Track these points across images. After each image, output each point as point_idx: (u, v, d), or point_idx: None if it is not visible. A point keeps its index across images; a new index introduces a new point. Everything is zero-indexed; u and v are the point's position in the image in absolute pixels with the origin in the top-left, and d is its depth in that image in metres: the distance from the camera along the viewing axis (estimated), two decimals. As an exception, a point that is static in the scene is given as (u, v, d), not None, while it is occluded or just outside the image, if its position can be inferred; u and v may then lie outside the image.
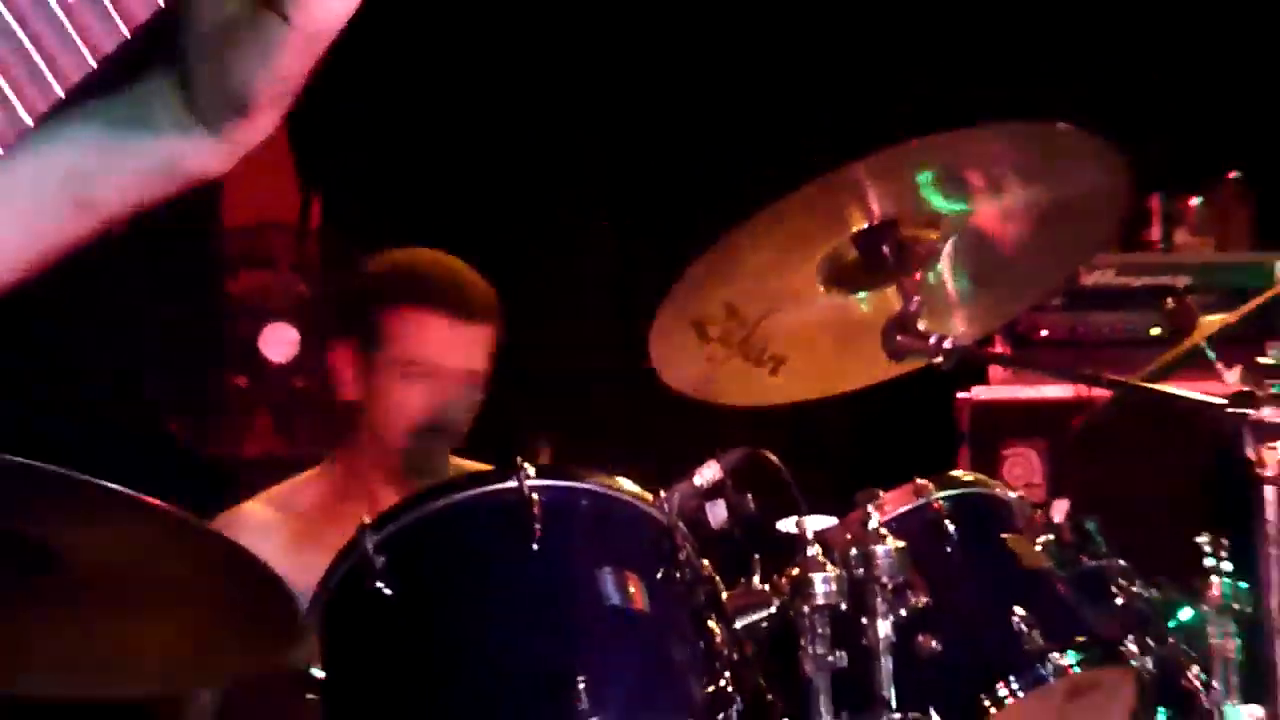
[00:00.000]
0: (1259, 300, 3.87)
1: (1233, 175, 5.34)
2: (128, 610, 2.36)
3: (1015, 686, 2.81)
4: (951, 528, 2.94)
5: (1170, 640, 3.08)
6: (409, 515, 2.68)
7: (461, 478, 2.84)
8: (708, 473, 2.97)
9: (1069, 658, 2.85)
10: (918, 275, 3.10)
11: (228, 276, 5.30)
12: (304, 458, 3.76)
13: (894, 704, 2.73)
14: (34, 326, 3.69)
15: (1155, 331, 4.86)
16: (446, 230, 4.21)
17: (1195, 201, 5.30)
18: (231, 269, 5.32)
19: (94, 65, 1.28)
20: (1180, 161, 5.28)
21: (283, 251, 5.34)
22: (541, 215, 5.68)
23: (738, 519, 2.95)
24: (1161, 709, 3.02)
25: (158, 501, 2.16)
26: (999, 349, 4.82)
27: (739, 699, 2.63)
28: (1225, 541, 3.18)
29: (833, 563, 2.73)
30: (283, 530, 3.46)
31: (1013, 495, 3.10)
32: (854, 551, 2.77)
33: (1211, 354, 3.66)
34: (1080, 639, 2.89)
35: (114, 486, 2.10)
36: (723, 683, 2.63)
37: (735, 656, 2.70)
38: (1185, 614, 3.18)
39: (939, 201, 3.07)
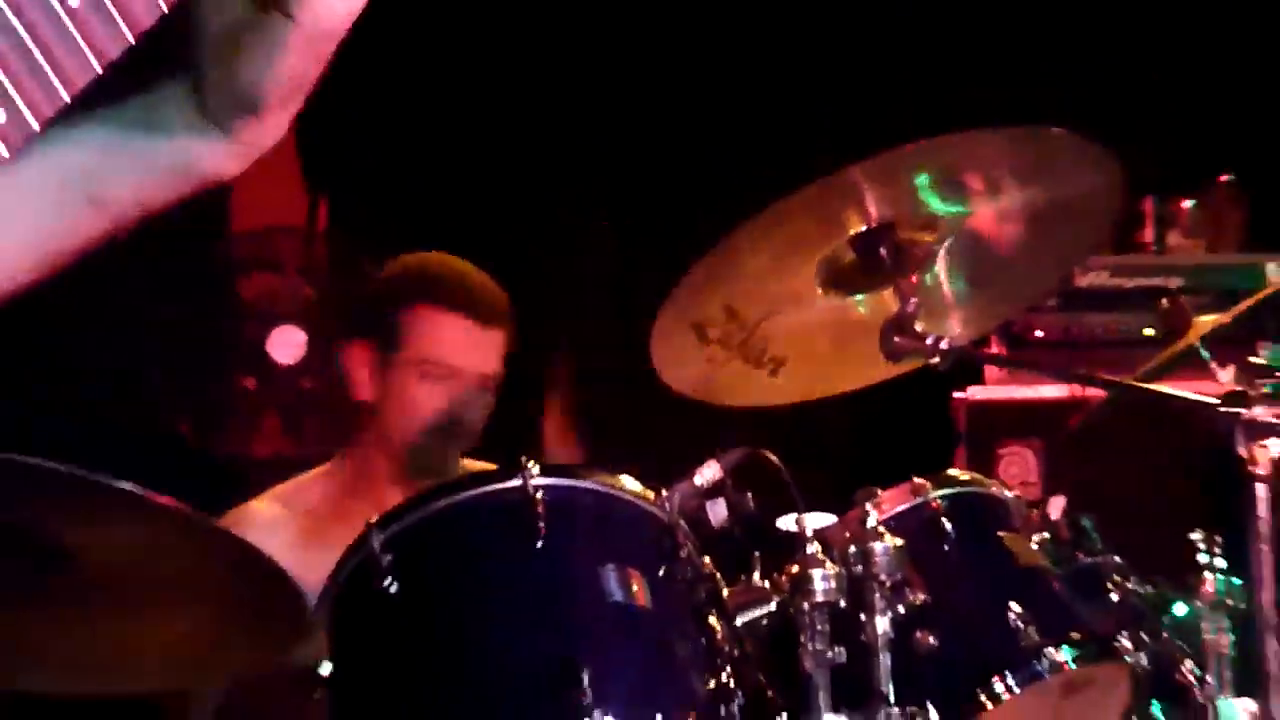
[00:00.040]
0: (1251, 301, 3.88)
1: (1225, 178, 5.35)
2: (137, 607, 2.37)
3: (1011, 682, 2.81)
4: (949, 526, 2.95)
5: (1164, 636, 3.09)
6: (414, 514, 2.69)
7: (465, 477, 2.86)
8: (708, 472, 2.98)
9: (1064, 653, 2.86)
10: (914, 277, 3.11)
11: (237, 280, 5.30)
12: (312, 458, 3.77)
13: (892, 699, 2.73)
14: (43, 329, 3.71)
15: (1149, 332, 4.85)
16: (450, 231, 4.24)
17: (1188, 204, 5.31)
18: (240, 272, 5.32)
19: (100, 71, 1.30)
20: (1173, 164, 5.27)
21: (290, 255, 5.33)
22: (543, 216, 5.68)
23: (738, 517, 2.95)
24: (1156, 703, 3.03)
25: (166, 499, 2.17)
26: (995, 350, 4.82)
27: (740, 694, 2.64)
28: (1218, 538, 3.19)
29: (832, 560, 2.75)
30: (290, 527, 3.48)
31: (1009, 494, 3.10)
32: (853, 549, 2.78)
33: (1206, 354, 3.69)
34: (1076, 635, 2.90)
35: (124, 485, 2.12)
36: (724, 678, 2.64)
37: (736, 652, 2.71)
38: (1179, 610, 3.18)
39: (936, 204, 3.08)
